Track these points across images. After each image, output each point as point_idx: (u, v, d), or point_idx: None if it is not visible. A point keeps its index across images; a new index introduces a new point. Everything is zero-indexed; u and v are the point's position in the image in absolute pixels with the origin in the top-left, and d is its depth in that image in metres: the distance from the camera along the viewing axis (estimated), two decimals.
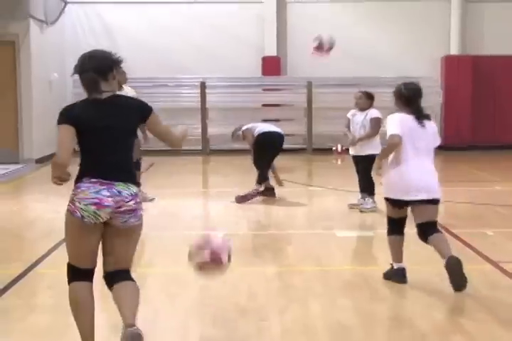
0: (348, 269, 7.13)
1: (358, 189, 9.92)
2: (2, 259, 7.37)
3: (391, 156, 6.37)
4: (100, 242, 4.59)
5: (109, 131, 4.46)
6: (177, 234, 8.58)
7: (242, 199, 10.79)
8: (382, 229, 8.63)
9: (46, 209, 10.20)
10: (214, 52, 18.81)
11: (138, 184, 4.63)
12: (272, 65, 18.94)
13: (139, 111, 4.58)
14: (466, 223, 9.25)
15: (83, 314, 4.51)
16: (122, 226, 4.51)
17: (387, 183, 6.37)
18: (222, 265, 4.93)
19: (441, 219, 9.35)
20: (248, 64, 18.66)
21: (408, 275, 6.44)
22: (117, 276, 4.58)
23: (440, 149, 19.22)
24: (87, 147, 4.50)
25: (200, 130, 18.44)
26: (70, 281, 4.55)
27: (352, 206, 9.89)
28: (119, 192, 4.42)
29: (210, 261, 4.84)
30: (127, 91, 10.02)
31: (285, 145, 18.91)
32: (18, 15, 15.37)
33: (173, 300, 6.05)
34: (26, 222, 9.58)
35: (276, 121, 18.61)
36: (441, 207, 10.03)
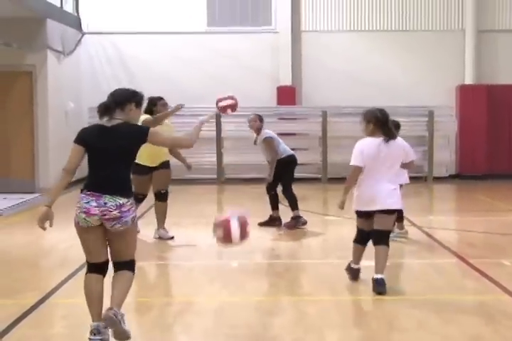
0: (363, 299, 7.08)
1: None
2: (17, 289, 7.38)
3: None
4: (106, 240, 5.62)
5: (105, 151, 5.50)
6: (194, 264, 8.58)
7: (290, 227, 11.02)
8: (399, 258, 8.65)
9: (61, 238, 10.22)
10: (229, 82, 18.90)
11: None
12: (287, 95, 19.01)
13: (137, 134, 5.60)
14: (483, 253, 9.19)
15: (92, 298, 5.54)
16: (112, 230, 5.51)
17: (354, 198, 7.32)
18: (232, 243, 6.02)
19: (457, 248, 9.37)
20: (263, 93, 18.73)
21: (426, 306, 6.39)
22: (116, 267, 5.64)
23: (455, 178, 19.21)
24: (90, 164, 5.60)
25: (215, 159, 18.49)
26: (86, 273, 5.65)
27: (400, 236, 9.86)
28: (105, 203, 5.43)
29: (223, 238, 6.02)
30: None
31: (300, 175, 19.03)
32: (36, 46, 15.54)
33: (189, 329, 6.04)
34: (42, 252, 9.61)
35: (291, 150, 18.68)
36: (457, 236, 10.02)
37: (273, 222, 11.28)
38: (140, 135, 5.60)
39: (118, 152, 5.54)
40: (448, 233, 10.81)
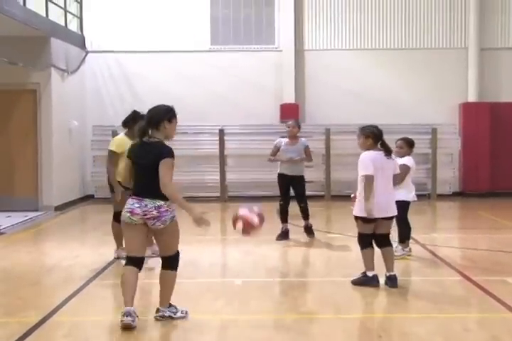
0: (367, 317, 7.06)
1: None
2: (20, 307, 7.36)
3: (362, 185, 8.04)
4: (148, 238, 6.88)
5: (142, 165, 6.58)
6: (196, 282, 8.56)
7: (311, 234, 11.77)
8: (404, 276, 8.62)
9: (64, 256, 10.22)
10: (233, 100, 18.97)
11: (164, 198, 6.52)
12: (290, 112, 19.00)
13: (159, 155, 6.50)
14: (486, 270, 9.16)
15: (126, 287, 6.55)
16: (153, 228, 6.60)
17: (361, 205, 7.94)
18: (255, 228, 6.83)
19: (461, 266, 9.33)
20: (267, 111, 18.77)
21: (430, 324, 6.37)
22: (162, 263, 6.80)
23: (459, 196, 19.14)
24: (134, 174, 6.71)
25: (218, 177, 18.49)
26: (125, 265, 6.71)
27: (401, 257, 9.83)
28: (146, 205, 6.49)
29: (245, 228, 6.83)
30: None
31: None
32: (40, 65, 15.60)
33: None
34: (44, 270, 9.58)
35: None
36: (460, 254, 10.00)
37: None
38: (161, 155, 6.51)
39: (150, 165, 6.50)
40: (452, 250, 10.78)
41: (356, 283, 8.17)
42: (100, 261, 9.80)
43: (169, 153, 6.54)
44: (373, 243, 8.23)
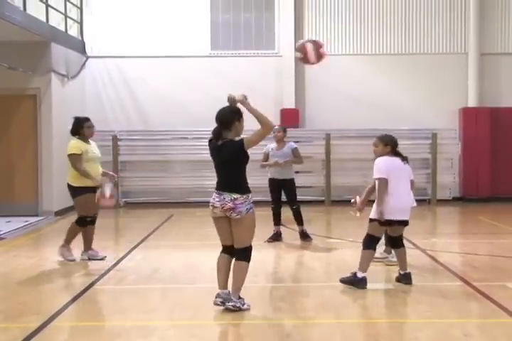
0: (367, 322, 7.05)
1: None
2: (20, 312, 7.36)
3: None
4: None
5: (220, 162, 7.51)
6: (196, 287, 8.56)
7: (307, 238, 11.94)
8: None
9: (64, 261, 10.21)
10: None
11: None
12: (290, 117, 19.06)
13: (238, 148, 7.36)
14: (487, 276, 9.15)
15: (219, 271, 7.44)
16: (232, 218, 7.25)
17: (386, 208, 8.18)
18: (310, 63, 8.51)
19: (461, 271, 9.34)
20: (267, 116, 18.76)
21: (430, 330, 6.37)
22: (236, 254, 7.36)
23: (459, 201, 19.13)
24: (217, 172, 7.58)
25: None
26: (220, 252, 7.51)
27: (377, 260, 9.81)
28: (224, 198, 7.26)
29: (303, 59, 8.55)
30: (93, 145, 10.48)
31: (304, 197, 19.05)
32: (41, 70, 15.63)
33: None
34: (45, 275, 9.57)
35: (295, 172, 18.68)
36: (461, 259, 10.02)
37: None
38: (241, 145, 7.37)
39: (227, 161, 7.41)
40: (452, 256, 10.78)
41: (345, 281, 8.33)
42: (100, 266, 9.79)
43: (241, 141, 7.41)
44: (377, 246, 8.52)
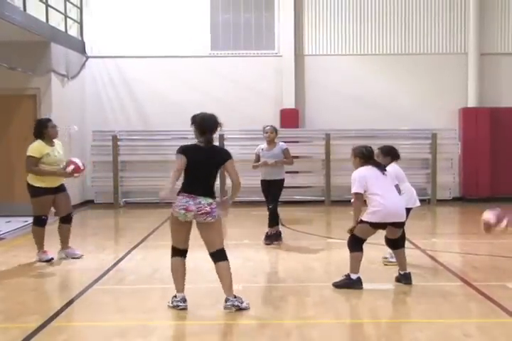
0: (367, 322, 7.05)
1: (376, 241, 9.83)
2: (20, 312, 7.35)
3: (369, 197, 8.31)
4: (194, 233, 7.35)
5: (206, 166, 7.40)
6: (197, 287, 8.54)
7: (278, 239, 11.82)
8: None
9: (64, 261, 10.21)
10: (232, 105, 18.97)
11: None
12: (290, 118, 19.05)
13: (225, 157, 7.49)
14: (487, 275, 9.15)
15: (177, 275, 7.45)
16: (204, 222, 7.25)
17: (374, 212, 8.19)
18: (81, 170, 9.98)
19: (461, 271, 9.33)
20: (267, 116, 18.73)
21: (430, 330, 6.36)
22: (215, 257, 7.43)
23: (459, 201, 19.09)
24: (188, 176, 7.38)
25: (218, 182, 18.46)
26: (171, 257, 7.49)
27: (386, 262, 9.82)
28: (200, 202, 7.18)
29: (75, 169, 9.85)
30: (57, 146, 10.56)
31: (304, 197, 19.08)
32: (40, 70, 15.61)
33: None
34: (44, 275, 9.57)
35: (295, 172, 18.69)
36: (461, 259, 10.01)
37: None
38: (225, 156, 7.54)
39: (209, 166, 7.47)
40: (452, 256, 10.77)
41: (339, 286, 8.33)
42: (100, 266, 9.79)
43: (230, 154, 7.57)
44: (363, 247, 8.50)
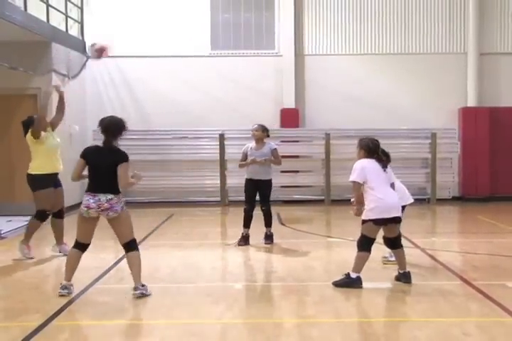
0: (366, 321, 7.05)
1: (376, 240, 9.82)
2: (21, 311, 7.35)
3: (366, 190, 8.33)
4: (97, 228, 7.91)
5: (101, 167, 7.86)
6: (196, 286, 8.56)
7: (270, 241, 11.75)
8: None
9: (64, 260, 10.19)
10: (233, 104, 18.99)
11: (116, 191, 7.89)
12: (290, 117, 19.06)
13: (117, 159, 7.85)
14: (486, 274, 9.15)
15: (69, 265, 8.00)
16: (108, 218, 7.83)
17: (372, 208, 8.24)
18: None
19: (460, 270, 9.34)
20: (267, 116, 18.72)
21: (429, 328, 6.36)
22: (126, 248, 7.94)
23: (458, 200, 19.07)
24: (90, 174, 7.96)
25: (219, 181, 18.50)
26: (72, 248, 8.06)
27: (385, 261, 9.84)
28: (99, 199, 7.74)
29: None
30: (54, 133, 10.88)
31: (304, 197, 19.09)
32: (41, 70, 15.61)
33: None
34: (45, 274, 9.58)
35: (295, 172, 18.71)
36: (460, 258, 10.00)
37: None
38: (117, 161, 7.86)
39: (107, 166, 7.83)
40: (451, 255, 10.77)
41: (339, 284, 8.35)
42: (100, 265, 9.79)
43: (126, 157, 7.90)
44: (372, 248, 8.47)
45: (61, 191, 10.75)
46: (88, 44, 18.78)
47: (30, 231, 10.57)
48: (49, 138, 10.49)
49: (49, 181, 10.42)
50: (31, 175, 10.39)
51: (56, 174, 10.62)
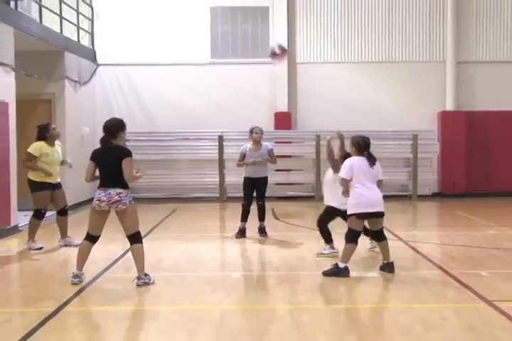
0: (353, 307, 7.07)
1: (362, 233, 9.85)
2: (37, 298, 7.37)
3: (351, 186, 8.37)
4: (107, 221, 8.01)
5: (107, 164, 7.91)
6: (197, 275, 8.58)
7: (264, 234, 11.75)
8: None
9: (76, 252, 10.21)
10: (231, 108, 19.01)
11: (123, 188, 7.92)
12: (283, 120, 19.07)
13: (124, 155, 7.90)
14: (463, 265, 9.18)
15: (81, 256, 8.04)
16: (117, 210, 7.87)
17: (353, 204, 8.30)
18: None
19: (439, 260, 9.37)
20: (262, 119, 18.70)
21: (410, 314, 6.38)
22: (131, 240, 7.96)
23: (437, 196, 19.10)
24: (101, 171, 7.98)
25: (218, 179, 18.52)
26: (83, 239, 8.09)
27: (372, 250, 9.89)
28: (109, 193, 7.81)
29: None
30: (57, 147, 11.08)
31: (296, 193, 19.09)
32: (55, 77, 15.61)
33: (193, 336, 6.01)
34: (58, 264, 9.60)
35: (288, 171, 18.72)
36: (439, 249, 10.03)
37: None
38: (122, 155, 7.89)
39: (112, 164, 7.85)
40: (431, 247, 10.80)
41: (328, 274, 8.35)
42: (109, 256, 9.80)
43: (128, 152, 7.95)
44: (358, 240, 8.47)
45: (62, 192, 11.01)
46: (98, 54, 18.82)
47: (30, 229, 10.82)
48: (49, 155, 10.77)
49: (45, 186, 10.71)
50: (30, 179, 10.72)
51: (53, 183, 10.82)
